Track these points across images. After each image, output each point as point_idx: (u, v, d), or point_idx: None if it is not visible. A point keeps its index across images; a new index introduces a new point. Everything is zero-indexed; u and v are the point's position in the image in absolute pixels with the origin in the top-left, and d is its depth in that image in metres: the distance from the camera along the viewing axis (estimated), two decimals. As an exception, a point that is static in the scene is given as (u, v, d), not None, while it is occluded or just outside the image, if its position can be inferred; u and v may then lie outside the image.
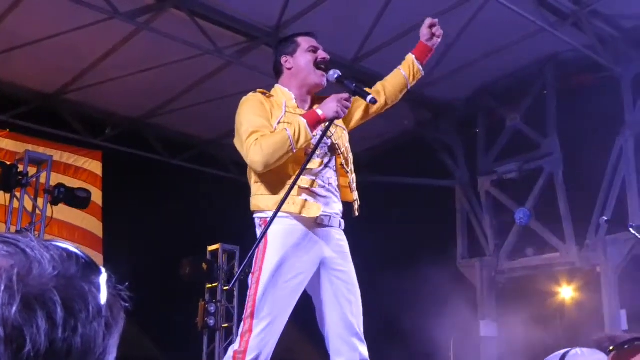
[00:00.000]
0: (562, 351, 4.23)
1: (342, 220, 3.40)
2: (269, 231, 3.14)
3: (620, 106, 8.92)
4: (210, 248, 10.03)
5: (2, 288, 0.70)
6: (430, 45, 3.71)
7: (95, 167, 9.89)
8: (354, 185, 3.49)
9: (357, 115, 3.65)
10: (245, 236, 11.16)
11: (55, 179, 8.47)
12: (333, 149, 3.40)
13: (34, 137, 9.34)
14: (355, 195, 3.48)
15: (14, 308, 0.69)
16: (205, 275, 9.81)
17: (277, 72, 3.57)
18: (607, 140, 8.88)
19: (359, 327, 3.29)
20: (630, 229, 5.59)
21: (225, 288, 9.85)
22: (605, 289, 8.83)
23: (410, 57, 3.73)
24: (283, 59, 3.51)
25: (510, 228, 9.89)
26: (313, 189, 3.27)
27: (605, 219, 7.97)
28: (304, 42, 3.52)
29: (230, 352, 3.10)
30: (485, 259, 10.18)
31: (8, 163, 7.83)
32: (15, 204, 7.80)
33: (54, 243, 0.78)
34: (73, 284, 0.75)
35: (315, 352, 11.93)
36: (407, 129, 10.53)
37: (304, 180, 3.24)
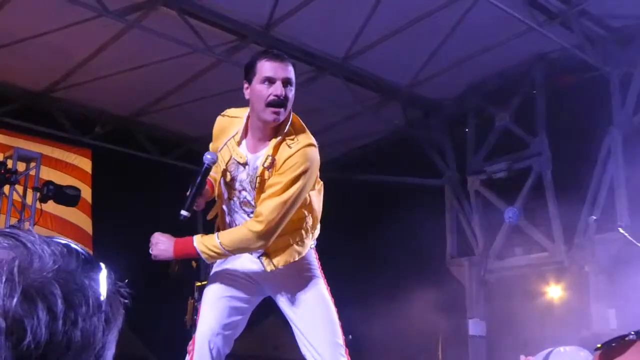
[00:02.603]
0: (547, 350, 4.27)
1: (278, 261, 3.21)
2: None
3: (608, 106, 8.97)
4: (200, 246, 10.01)
5: (3, 280, 0.71)
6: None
7: (84, 164, 9.87)
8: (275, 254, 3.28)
9: None
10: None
11: (45, 174, 8.45)
12: (250, 204, 3.19)
13: (23, 134, 9.30)
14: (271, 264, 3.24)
15: (15, 300, 0.70)
16: (195, 273, 9.79)
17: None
18: (596, 139, 8.93)
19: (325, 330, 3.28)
20: (619, 229, 5.62)
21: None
22: (593, 288, 8.87)
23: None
24: (244, 86, 3.11)
25: (499, 227, 9.93)
26: None
27: (594, 218, 8.01)
28: (262, 69, 3.02)
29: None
30: (474, 258, 10.21)
31: (-4, 160, 7.80)
32: (4, 201, 7.77)
33: (54, 239, 0.79)
34: (73, 278, 0.75)
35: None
36: (397, 128, 10.55)
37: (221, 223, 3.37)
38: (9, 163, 7.78)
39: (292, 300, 3.25)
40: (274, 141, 3.01)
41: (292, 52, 9.08)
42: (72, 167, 9.70)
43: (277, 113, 2.98)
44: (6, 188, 7.78)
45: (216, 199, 3.26)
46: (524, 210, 9.65)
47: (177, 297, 9.82)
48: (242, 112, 3.18)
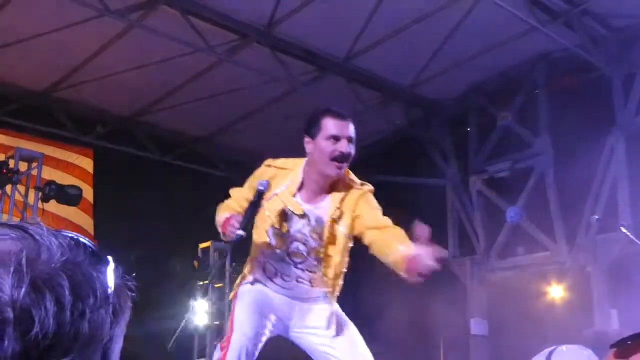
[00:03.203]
0: (549, 349, 4.27)
1: (322, 296, 3.32)
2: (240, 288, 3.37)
3: (611, 106, 8.95)
4: (202, 245, 10.01)
5: (11, 271, 0.71)
6: (412, 269, 2.97)
7: (86, 163, 9.87)
8: (333, 297, 3.33)
9: (356, 231, 3.24)
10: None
11: (47, 173, 8.45)
12: (302, 255, 3.25)
13: (25, 134, 9.31)
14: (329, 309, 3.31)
15: (23, 290, 0.70)
16: (196, 273, 9.80)
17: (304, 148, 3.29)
18: (598, 139, 8.90)
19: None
20: (622, 228, 5.61)
21: (216, 286, 9.83)
22: (595, 288, 8.85)
23: (402, 262, 3.00)
24: (305, 140, 3.23)
25: (501, 227, 9.91)
26: (263, 278, 3.34)
27: (596, 217, 8.00)
28: (328, 126, 3.16)
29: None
30: (476, 258, 10.19)
31: (-2, 160, 7.80)
32: (6, 200, 7.77)
33: (62, 232, 0.79)
34: (81, 270, 0.75)
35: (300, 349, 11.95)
36: (399, 128, 10.54)
37: (261, 265, 3.34)
38: (11, 163, 7.78)
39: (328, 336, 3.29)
40: (336, 195, 3.16)
41: (294, 52, 9.08)
42: (74, 166, 9.70)
43: (340, 168, 3.14)
44: (8, 188, 7.78)
45: (255, 239, 3.32)
46: (525, 209, 9.64)
47: (179, 297, 9.84)
48: (292, 164, 3.29)
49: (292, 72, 9.19)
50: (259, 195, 3.08)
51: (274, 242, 3.20)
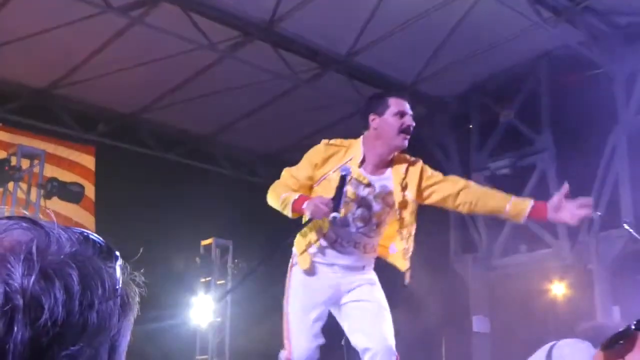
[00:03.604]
0: (549, 345, 4.32)
1: (367, 265, 3.69)
2: (295, 264, 3.69)
3: (613, 103, 8.94)
4: (204, 242, 10.02)
5: (22, 259, 0.72)
6: (549, 216, 3.50)
7: (88, 161, 9.87)
8: (408, 255, 3.69)
9: (429, 200, 3.69)
10: (238, 231, 11.20)
11: (49, 171, 8.45)
12: (366, 220, 3.57)
13: (27, 131, 9.31)
14: (407, 264, 3.69)
15: (33, 278, 0.71)
16: (199, 270, 9.80)
17: (364, 127, 3.68)
18: (600, 137, 8.90)
19: (382, 335, 3.58)
20: (625, 225, 5.61)
21: (218, 282, 9.83)
22: (597, 286, 8.85)
23: (525, 207, 3.56)
24: (371, 117, 3.62)
25: (503, 224, 9.90)
26: (328, 245, 3.60)
27: (599, 214, 7.99)
28: (394, 104, 3.61)
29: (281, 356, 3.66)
30: (478, 255, 10.19)
31: (0, 157, 7.80)
32: (8, 197, 7.78)
33: (71, 228, 0.80)
34: (90, 262, 0.77)
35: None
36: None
37: (322, 236, 3.60)
38: (13, 160, 7.79)
39: (370, 300, 3.65)
40: (398, 167, 3.59)
41: (296, 49, 9.08)
42: (75, 164, 9.70)
43: (406, 139, 3.59)
44: (10, 185, 7.79)
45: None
46: (528, 207, 9.62)
47: (181, 294, 9.84)
48: (347, 143, 3.65)
49: (294, 69, 9.18)
50: (344, 180, 3.36)
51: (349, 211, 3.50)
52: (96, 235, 0.82)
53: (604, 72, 8.97)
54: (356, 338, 3.62)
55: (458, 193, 3.59)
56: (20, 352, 0.68)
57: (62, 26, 8.13)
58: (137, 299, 0.84)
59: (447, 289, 9.30)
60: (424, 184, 3.61)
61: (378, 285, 3.72)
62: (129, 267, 0.84)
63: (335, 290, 3.63)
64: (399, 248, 3.66)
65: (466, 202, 3.61)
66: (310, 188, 3.61)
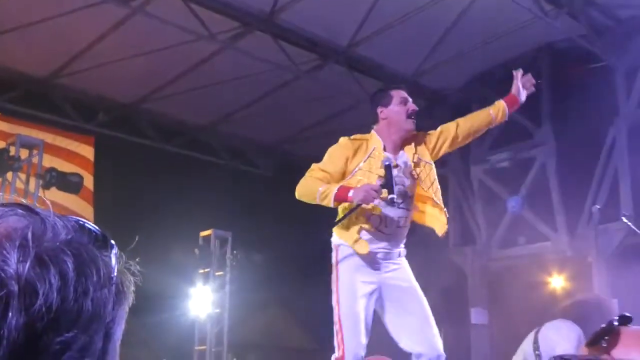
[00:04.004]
0: (534, 330, 4.40)
1: (402, 251, 4.03)
2: (340, 259, 3.94)
3: (613, 96, 8.92)
4: (203, 234, 10.02)
5: (17, 245, 0.72)
6: (520, 99, 4.38)
7: (87, 151, 9.85)
8: (444, 210, 4.09)
9: (442, 151, 4.22)
10: (237, 222, 11.17)
11: (47, 161, 8.44)
12: (404, 195, 3.93)
13: (26, 121, 9.29)
14: (445, 223, 4.08)
15: (28, 264, 0.71)
16: (198, 261, 9.81)
17: (374, 120, 4.09)
18: (600, 130, 8.89)
19: (426, 314, 3.96)
20: (623, 218, 5.62)
21: (217, 274, 9.84)
22: (596, 278, 8.86)
23: (501, 104, 4.32)
24: (378, 110, 4.05)
25: (502, 217, 9.91)
26: (372, 229, 3.89)
27: (598, 207, 7.99)
28: (397, 94, 4.07)
29: (332, 358, 3.85)
30: (477, 247, 10.20)
31: (-1, 147, 7.79)
32: (7, 187, 7.76)
33: (67, 217, 0.81)
34: (86, 250, 0.77)
35: (305, 337, 11.98)
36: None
37: (367, 221, 3.88)
38: (12, 150, 7.77)
39: (404, 279, 3.97)
40: (409, 146, 4.05)
41: (296, 40, 9.05)
42: (74, 154, 9.68)
43: (414, 122, 4.05)
44: (9, 175, 7.78)
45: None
46: (527, 199, 9.63)
47: (180, 285, 9.85)
48: (366, 136, 4.03)
49: (294, 60, 9.16)
50: (389, 168, 3.78)
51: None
52: (92, 224, 0.82)
53: (605, 65, 8.95)
54: (406, 342, 3.91)
55: (456, 132, 4.15)
56: (14, 338, 0.68)
57: (63, 15, 8.10)
58: (133, 287, 0.84)
59: (446, 281, 9.31)
60: (430, 146, 4.11)
61: (410, 272, 4.04)
62: (124, 256, 0.84)
63: (379, 280, 3.90)
64: (434, 211, 4.08)
65: (465, 134, 4.20)
66: (340, 180, 3.90)
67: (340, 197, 3.75)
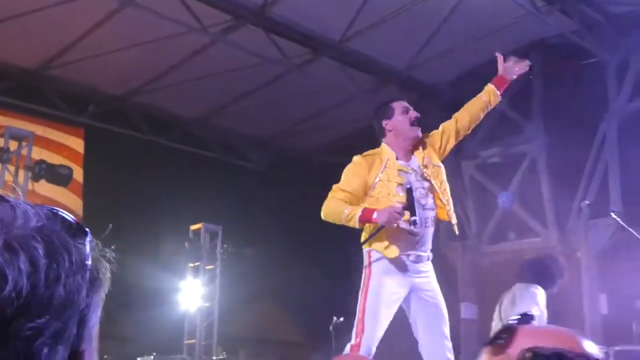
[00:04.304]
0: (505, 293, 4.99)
1: (430, 255, 4.28)
2: (373, 261, 4.11)
3: (604, 92, 8.95)
4: (193, 227, 10.00)
5: None
6: (507, 78, 4.53)
7: (77, 144, 9.80)
8: (452, 212, 4.29)
9: (449, 147, 4.45)
10: (228, 216, 11.16)
11: (37, 153, 8.39)
12: (426, 197, 4.18)
13: (15, 112, 9.22)
14: (454, 219, 4.32)
15: None
16: (188, 254, 9.79)
17: (381, 134, 4.32)
18: (591, 125, 8.92)
19: (446, 330, 4.18)
20: (612, 214, 5.64)
21: (207, 267, 9.83)
22: (585, 273, 8.90)
23: (491, 87, 4.48)
24: (384, 123, 4.29)
25: (492, 212, 9.94)
26: (401, 236, 4.07)
27: (587, 202, 8.03)
28: (398, 106, 4.31)
29: (347, 346, 4.04)
30: (467, 242, 10.23)
31: (-12, 138, 7.75)
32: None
33: (41, 205, 0.80)
34: (57, 236, 0.76)
35: (296, 330, 11.99)
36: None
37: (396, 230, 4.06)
38: (1, 141, 7.73)
39: (432, 291, 4.22)
40: (417, 150, 4.28)
41: (288, 34, 9.03)
42: (64, 147, 9.63)
43: (419, 128, 4.29)
44: (-2, 166, 7.74)
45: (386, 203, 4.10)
46: (517, 195, 9.66)
47: (170, 278, 9.84)
48: (376, 150, 4.27)
49: (286, 54, 9.14)
50: (410, 191, 4.02)
51: (403, 194, 4.07)
52: (66, 212, 0.81)
53: (597, 61, 8.98)
54: (424, 351, 4.17)
55: (457, 127, 4.40)
56: None
57: (54, 6, 8.05)
58: (108, 275, 0.83)
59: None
60: (437, 147, 4.36)
61: (435, 278, 4.30)
62: (99, 243, 0.84)
63: (411, 284, 4.13)
64: (446, 207, 4.26)
65: (466, 126, 4.44)
66: (362, 197, 4.14)
67: (365, 219, 3.98)
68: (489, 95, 4.44)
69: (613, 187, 8.72)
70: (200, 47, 9.10)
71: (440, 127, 4.44)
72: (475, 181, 10.29)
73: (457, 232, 4.44)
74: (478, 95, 4.47)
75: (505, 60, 4.56)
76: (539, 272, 5.36)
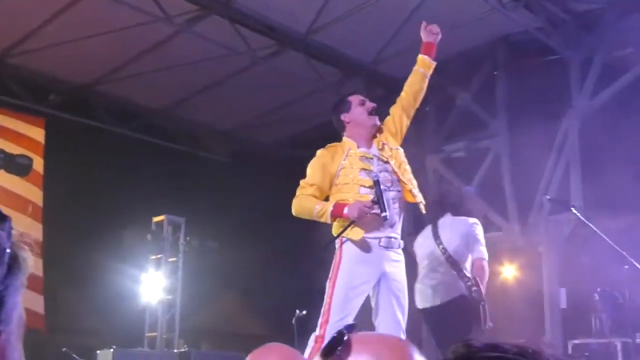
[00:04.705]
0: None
1: (401, 242, 4.29)
2: (344, 248, 4.15)
3: (567, 89, 9.06)
4: (156, 219, 9.90)
5: None
6: (431, 41, 4.70)
7: (37, 133, 9.62)
8: (416, 190, 4.32)
9: (404, 126, 4.61)
10: (191, 208, 11.06)
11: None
12: (392, 181, 4.25)
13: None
14: (419, 198, 4.33)
15: None
16: (150, 246, 9.69)
17: (341, 127, 4.44)
18: (554, 122, 9.02)
19: (404, 323, 4.22)
20: (572, 209, 5.71)
21: (169, 260, 9.74)
22: (545, 267, 9.02)
23: (421, 56, 4.72)
24: (342, 116, 4.42)
25: (456, 206, 9.99)
26: (370, 220, 4.08)
27: (548, 197, 8.13)
28: (354, 99, 4.47)
29: (312, 337, 4.07)
30: (430, 237, 10.27)
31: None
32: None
33: None
34: None
35: (259, 323, 11.96)
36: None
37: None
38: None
39: (401, 283, 4.23)
40: (376, 140, 4.39)
41: (254, 25, 8.96)
42: (24, 136, 9.44)
43: (377, 117, 4.43)
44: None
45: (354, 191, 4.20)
46: (480, 189, 9.72)
47: (132, 270, 9.73)
48: (337, 143, 4.38)
49: (252, 46, 9.08)
50: (378, 184, 4.06)
51: (367, 177, 4.17)
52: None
53: (560, 58, 9.08)
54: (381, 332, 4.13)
55: (403, 104, 4.61)
56: None
57: (13, -7, 7.88)
58: (29, 261, 0.84)
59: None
60: (393, 131, 4.51)
61: (404, 269, 4.31)
62: (14, 229, 0.83)
63: (381, 272, 4.15)
64: (407, 186, 4.32)
65: (412, 99, 4.68)
66: (329, 186, 4.21)
67: (337, 214, 4.06)
68: (423, 64, 4.70)
69: (574, 182, 8.84)
70: (166, 37, 9.00)
71: (390, 112, 4.58)
72: (440, 175, 10.34)
73: (424, 211, 4.45)
74: (414, 69, 4.72)
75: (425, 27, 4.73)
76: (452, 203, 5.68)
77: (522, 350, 0.91)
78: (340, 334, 1.01)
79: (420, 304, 5.44)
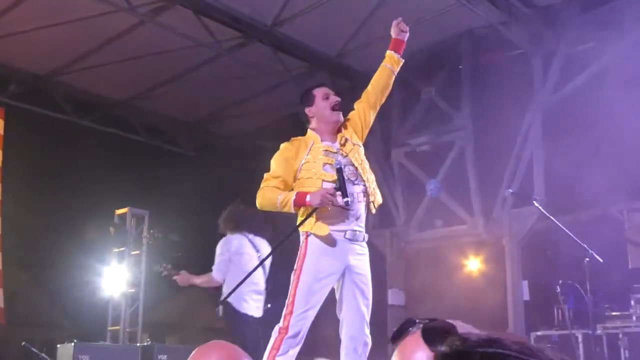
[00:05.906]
0: None
1: (365, 235, 4.30)
2: (309, 242, 4.14)
3: (530, 83, 9.14)
4: (119, 212, 9.77)
5: None
6: (400, 38, 4.65)
7: (-4, 124, 9.42)
8: (371, 189, 4.30)
9: (368, 121, 4.59)
10: (155, 200, 10.96)
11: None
12: (354, 173, 4.24)
13: None
14: (372, 197, 4.31)
15: None
16: (113, 239, 9.56)
17: (306, 120, 4.45)
18: (517, 116, 9.10)
19: (368, 315, 4.23)
20: (535, 202, 5.77)
21: (133, 253, 9.61)
22: (508, 260, 9.11)
23: (389, 52, 4.69)
24: (307, 110, 4.41)
25: (420, 200, 10.06)
26: (334, 213, 4.11)
27: (511, 191, 8.20)
28: (318, 92, 4.43)
29: (275, 328, 4.04)
30: (395, 229, 10.33)
31: None
32: None
33: None
34: None
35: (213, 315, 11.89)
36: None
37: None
38: None
39: (365, 276, 4.24)
40: (340, 135, 4.38)
41: (219, 17, 8.88)
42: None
43: (340, 112, 4.40)
44: None
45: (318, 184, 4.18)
46: (445, 183, 9.79)
47: (94, 263, 9.60)
48: (301, 137, 4.37)
49: (217, 37, 8.99)
50: (340, 171, 4.08)
51: (332, 172, 4.17)
52: None
53: (524, 52, 9.15)
54: (343, 332, 4.20)
55: (368, 100, 4.58)
56: None
57: (-29, -20, 7.69)
58: None
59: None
60: (358, 127, 4.50)
61: (368, 263, 4.30)
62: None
63: (345, 265, 4.15)
64: (365, 184, 4.30)
65: (378, 97, 4.65)
66: (293, 180, 4.21)
67: (299, 203, 4.05)
68: (391, 60, 4.67)
69: (537, 176, 8.93)
70: (129, 27, 8.87)
71: (355, 106, 4.56)
72: (405, 169, 10.38)
73: (373, 211, 4.39)
74: (381, 65, 4.69)
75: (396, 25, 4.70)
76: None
77: (522, 347, 0.90)
78: (410, 323, 1.00)
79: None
